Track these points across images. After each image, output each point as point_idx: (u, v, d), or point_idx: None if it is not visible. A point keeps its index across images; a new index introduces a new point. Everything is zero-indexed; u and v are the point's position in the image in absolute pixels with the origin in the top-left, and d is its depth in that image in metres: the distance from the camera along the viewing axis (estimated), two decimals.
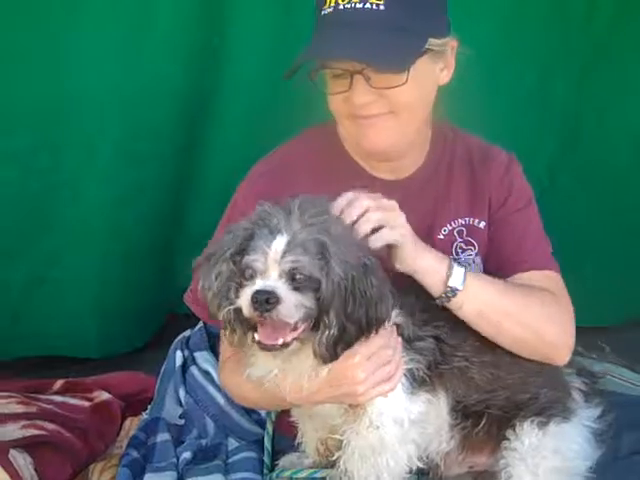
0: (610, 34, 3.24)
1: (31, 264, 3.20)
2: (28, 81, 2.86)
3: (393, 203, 1.94)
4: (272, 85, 2.86)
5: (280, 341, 1.78)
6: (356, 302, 1.76)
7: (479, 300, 2.01)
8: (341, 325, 1.76)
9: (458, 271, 1.98)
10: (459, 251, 2.23)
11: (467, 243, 2.24)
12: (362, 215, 1.87)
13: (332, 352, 1.80)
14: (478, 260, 2.25)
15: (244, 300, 1.75)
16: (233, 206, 2.28)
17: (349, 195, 1.90)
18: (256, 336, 1.79)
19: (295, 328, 1.78)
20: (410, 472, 2.03)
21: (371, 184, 2.18)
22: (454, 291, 1.98)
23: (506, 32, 3.18)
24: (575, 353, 2.26)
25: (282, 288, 1.73)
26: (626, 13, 3.20)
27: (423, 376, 1.96)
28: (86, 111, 2.95)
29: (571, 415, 2.08)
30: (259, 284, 1.74)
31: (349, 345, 1.81)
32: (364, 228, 1.86)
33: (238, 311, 1.79)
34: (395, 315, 1.91)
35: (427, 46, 1.97)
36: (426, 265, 1.98)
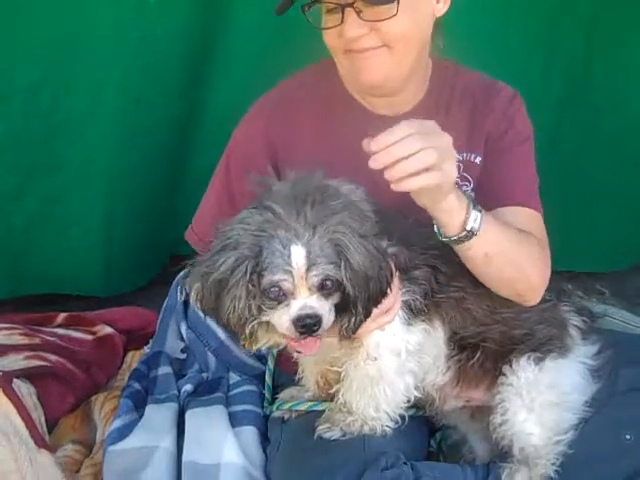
0: None
1: (35, 203, 3.18)
2: (33, 19, 2.80)
3: (447, 139, 1.81)
4: (275, 24, 2.82)
5: (318, 347, 1.83)
6: (375, 286, 1.78)
7: (487, 243, 1.96)
8: (366, 309, 1.80)
9: (476, 215, 1.91)
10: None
11: (462, 179, 2.24)
12: (413, 154, 1.73)
13: (354, 331, 1.84)
14: (472, 195, 2.23)
15: (284, 323, 1.76)
16: (233, 143, 2.29)
17: (400, 128, 1.75)
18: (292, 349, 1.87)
19: None
20: (408, 402, 2.05)
21: (370, 120, 2.18)
22: (470, 235, 1.92)
23: None
24: (575, 297, 2.28)
25: (320, 306, 1.75)
26: None
27: (420, 306, 1.97)
28: (91, 51, 2.89)
29: (568, 351, 2.10)
30: (298, 307, 1.74)
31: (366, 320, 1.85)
32: (404, 169, 1.73)
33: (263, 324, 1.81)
34: (388, 245, 1.89)
35: None
36: (448, 207, 1.89)
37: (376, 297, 1.81)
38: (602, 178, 3.54)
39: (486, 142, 2.23)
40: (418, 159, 1.72)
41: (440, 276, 2.00)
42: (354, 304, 1.78)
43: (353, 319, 1.80)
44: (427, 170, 1.74)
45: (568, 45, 3.34)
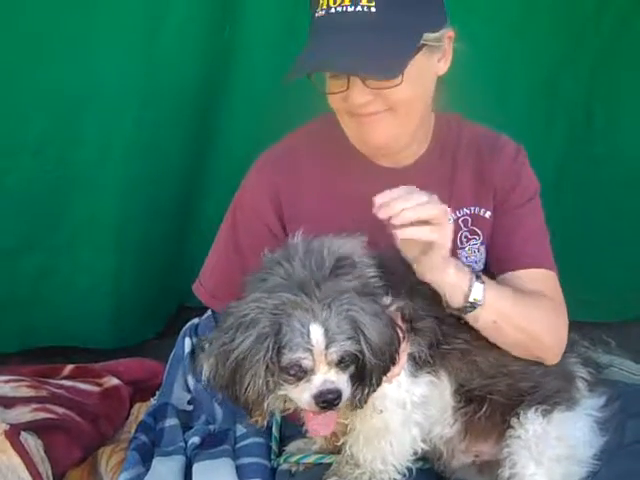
0: (621, 30, 3.23)
1: (43, 255, 3.21)
2: (44, 73, 2.87)
3: (445, 207, 1.90)
4: (282, 76, 2.89)
5: (334, 424, 1.89)
6: (386, 358, 1.81)
7: (493, 313, 2.02)
8: (379, 379, 1.83)
9: (478, 287, 1.98)
10: (464, 240, 2.25)
11: (472, 232, 2.25)
12: (411, 208, 1.82)
13: (367, 400, 1.86)
14: (482, 249, 2.27)
15: (305, 398, 1.79)
16: (239, 196, 2.32)
17: (403, 189, 1.86)
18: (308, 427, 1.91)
19: None
20: (415, 454, 2.05)
21: (373, 171, 2.22)
22: (474, 306, 1.99)
23: (517, 27, 3.17)
24: (581, 347, 2.28)
25: (340, 380, 1.78)
26: (636, 8, 3.19)
27: (425, 357, 1.98)
28: (100, 103, 2.96)
29: (575, 404, 2.10)
30: (319, 382, 1.77)
31: None
32: (408, 216, 1.81)
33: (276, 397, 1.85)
34: (392, 300, 1.92)
35: (422, 41, 1.97)
36: (449, 280, 1.97)
37: (388, 366, 1.84)
38: (605, 228, 3.56)
39: (494, 199, 2.25)
40: (423, 208, 1.82)
41: (445, 327, 2.02)
42: (370, 375, 1.81)
43: (367, 390, 1.83)
44: (429, 223, 1.82)
45: (569, 97, 3.39)
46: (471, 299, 1.97)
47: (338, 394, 1.78)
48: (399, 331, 1.85)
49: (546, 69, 3.31)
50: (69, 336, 3.41)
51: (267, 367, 1.76)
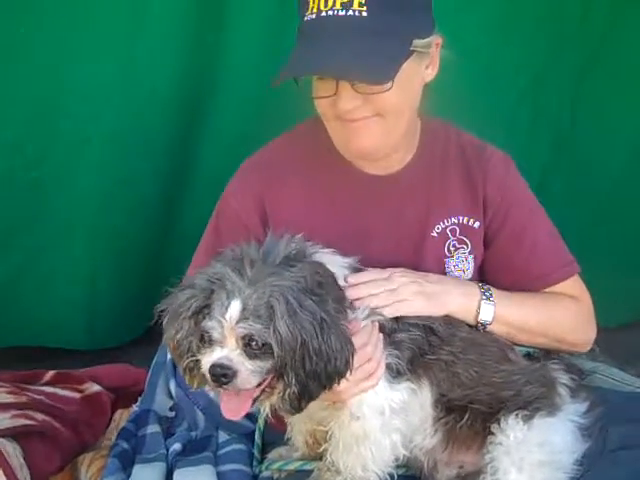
0: (605, 36, 3.26)
1: (18, 255, 3.22)
2: (21, 73, 2.87)
3: (413, 288, 2.07)
4: (267, 81, 2.87)
5: (242, 414, 1.86)
6: (312, 361, 1.78)
7: (507, 326, 2.15)
8: (301, 382, 1.80)
9: (487, 308, 2.11)
10: (452, 249, 2.25)
11: (460, 242, 2.25)
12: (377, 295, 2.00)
13: (296, 406, 1.84)
14: (471, 259, 2.27)
15: (204, 366, 1.81)
16: (223, 202, 2.30)
17: (374, 273, 2.05)
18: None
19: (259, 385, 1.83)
20: (397, 461, 2.04)
21: (359, 179, 2.21)
22: (484, 325, 2.12)
23: (500, 33, 3.20)
24: (564, 353, 2.28)
25: (238, 360, 1.78)
26: (621, 15, 3.21)
27: (402, 370, 1.98)
28: (78, 104, 2.96)
29: (557, 410, 2.09)
30: (216, 356, 1.79)
31: (312, 398, 1.84)
32: (375, 302, 1.99)
33: (199, 362, 1.85)
34: (368, 313, 1.98)
35: (412, 48, 1.96)
36: (456, 308, 2.10)
37: (327, 375, 1.80)
38: (590, 234, 3.56)
39: (491, 216, 2.26)
40: (390, 295, 2.03)
41: (433, 338, 2.03)
42: (286, 373, 1.79)
43: (288, 390, 1.81)
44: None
45: (554, 102, 3.40)
46: (481, 319, 2.11)
47: (231, 373, 1.77)
48: (350, 345, 1.83)
49: (531, 75, 3.33)
50: (43, 337, 3.41)
51: (189, 327, 1.82)
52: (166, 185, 3.29)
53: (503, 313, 2.13)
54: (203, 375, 1.84)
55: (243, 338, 1.77)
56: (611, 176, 3.53)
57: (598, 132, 3.46)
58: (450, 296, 2.10)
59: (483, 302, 2.12)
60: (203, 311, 1.82)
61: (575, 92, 3.39)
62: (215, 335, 1.79)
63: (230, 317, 1.76)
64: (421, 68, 2.05)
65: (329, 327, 1.79)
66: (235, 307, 1.76)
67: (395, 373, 1.96)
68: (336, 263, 1.99)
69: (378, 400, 1.95)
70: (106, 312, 3.42)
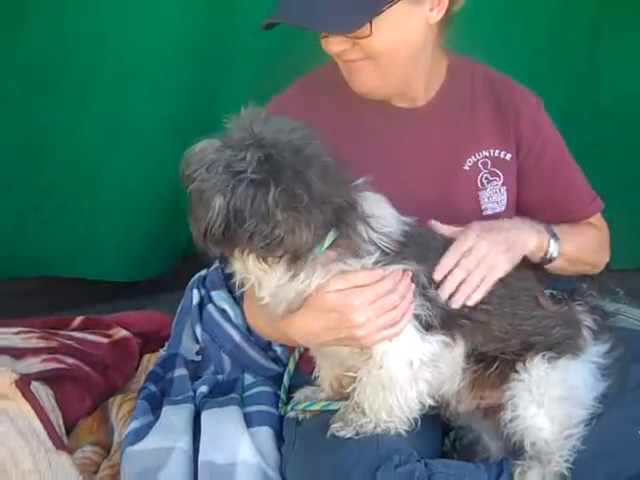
0: None
1: (25, 195, 3.30)
2: (25, 21, 2.90)
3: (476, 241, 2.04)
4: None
5: None
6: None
7: (563, 260, 2.23)
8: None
9: (554, 245, 2.18)
10: (484, 182, 2.26)
11: (492, 174, 2.26)
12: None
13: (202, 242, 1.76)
14: (504, 190, 2.28)
15: None
16: None
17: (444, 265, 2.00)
18: None
19: None
20: (423, 408, 2.05)
21: (388, 112, 2.21)
22: (550, 261, 2.20)
23: None
24: (589, 295, 2.30)
25: None
26: None
27: (432, 323, 1.96)
28: (81, 51, 3.00)
29: (580, 352, 2.11)
30: None
31: (235, 245, 1.77)
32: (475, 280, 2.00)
33: None
34: (405, 263, 1.92)
35: None
36: (534, 246, 2.15)
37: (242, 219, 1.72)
38: (611, 179, 3.53)
39: (522, 148, 2.29)
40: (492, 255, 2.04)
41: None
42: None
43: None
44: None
45: (572, 47, 3.36)
46: (548, 256, 2.19)
47: None
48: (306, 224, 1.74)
49: (548, 20, 3.28)
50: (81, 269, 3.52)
51: None
52: (171, 131, 3.27)
53: (565, 248, 2.20)
54: None
55: None
56: (632, 120, 3.49)
57: (618, 75, 3.41)
58: (528, 235, 2.14)
59: (551, 239, 2.17)
60: None
61: (593, 36, 3.34)
62: None
63: None
64: (420, 11, 1.99)
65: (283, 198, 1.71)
66: None
67: (426, 325, 1.95)
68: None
69: (406, 351, 1.95)
70: (112, 251, 3.52)
